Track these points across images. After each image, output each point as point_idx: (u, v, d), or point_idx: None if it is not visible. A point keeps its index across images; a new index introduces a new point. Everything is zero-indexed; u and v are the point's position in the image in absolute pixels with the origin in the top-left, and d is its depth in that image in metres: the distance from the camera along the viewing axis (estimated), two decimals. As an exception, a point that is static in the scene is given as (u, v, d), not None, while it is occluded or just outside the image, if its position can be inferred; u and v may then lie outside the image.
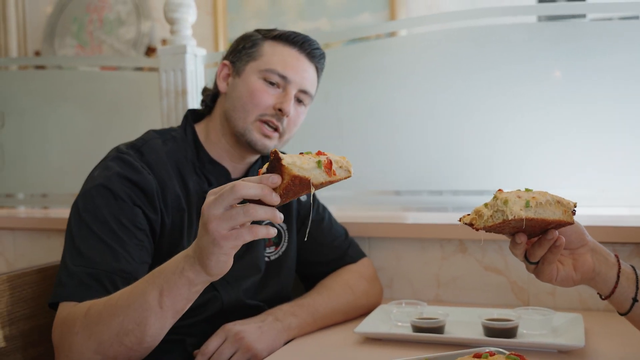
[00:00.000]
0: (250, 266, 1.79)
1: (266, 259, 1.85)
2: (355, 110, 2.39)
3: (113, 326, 1.28)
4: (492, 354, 1.15)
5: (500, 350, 1.25)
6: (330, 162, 1.07)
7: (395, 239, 2.19)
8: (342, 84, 2.39)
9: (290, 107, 1.70)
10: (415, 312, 1.76)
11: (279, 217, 1.09)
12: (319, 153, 1.09)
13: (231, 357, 1.51)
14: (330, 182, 1.09)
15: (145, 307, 1.25)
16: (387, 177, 2.36)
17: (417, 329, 1.68)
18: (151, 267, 1.36)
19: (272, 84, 1.70)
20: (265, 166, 1.08)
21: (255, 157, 1.84)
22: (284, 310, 1.67)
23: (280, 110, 1.69)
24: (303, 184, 1.04)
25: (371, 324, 1.74)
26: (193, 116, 1.85)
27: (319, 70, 1.81)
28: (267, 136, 1.71)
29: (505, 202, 1.11)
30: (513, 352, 1.15)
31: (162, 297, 1.23)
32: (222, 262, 1.14)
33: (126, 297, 1.29)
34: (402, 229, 2.20)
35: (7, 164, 2.94)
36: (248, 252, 1.78)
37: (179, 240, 1.63)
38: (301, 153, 1.08)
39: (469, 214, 1.20)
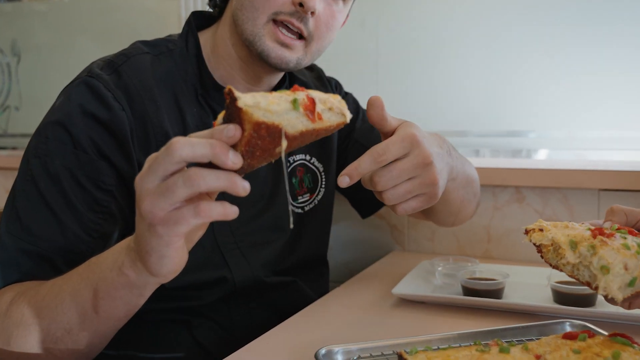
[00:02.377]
0: (269, 227, 1.39)
1: (298, 210, 1.47)
2: (396, 40, 2.05)
3: (37, 332, 0.95)
4: (591, 335, 0.79)
5: (581, 322, 0.95)
6: (312, 101, 0.74)
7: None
8: (381, 6, 2.04)
9: None
10: (465, 270, 1.43)
11: (241, 186, 0.72)
12: (295, 89, 0.76)
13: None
14: (316, 132, 0.76)
15: (77, 311, 0.92)
16: (430, 116, 2.03)
17: (469, 291, 1.35)
18: (126, 236, 0.93)
19: None
20: (221, 115, 0.74)
21: (278, 77, 1.38)
22: (450, 149, 1.18)
23: (301, 4, 1.18)
24: (273, 134, 0.71)
25: (412, 284, 1.42)
26: (198, 21, 1.37)
27: None
28: (284, 44, 1.22)
29: (606, 270, 0.76)
30: (616, 333, 0.79)
31: (96, 299, 0.90)
32: (168, 259, 0.78)
33: (55, 294, 0.95)
34: None
35: (24, 102, 2.70)
36: (267, 207, 1.38)
37: None
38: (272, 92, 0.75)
39: (539, 230, 0.89)
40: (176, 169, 0.71)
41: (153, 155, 0.74)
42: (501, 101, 1.94)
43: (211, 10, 1.39)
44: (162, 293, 1.07)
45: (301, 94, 0.74)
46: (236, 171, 0.73)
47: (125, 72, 1.20)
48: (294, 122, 0.72)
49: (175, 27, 2.34)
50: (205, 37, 1.34)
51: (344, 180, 0.93)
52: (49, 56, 2.67)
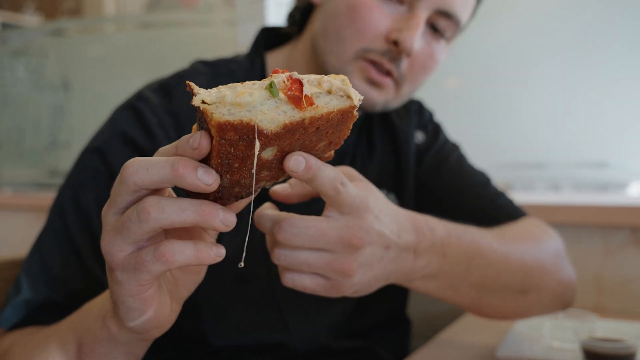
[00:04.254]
0: None
1: None
2: (472, 67, 1.93)
3: None
4: None
5: None
6: (296, 83, 0.55)
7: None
8: (459, 36, 1.88)
9: (416, 38, 1.01)
10: (582, 327, 1.12)
11: (220, 218, 0.57)
12: (275, 72, 0.56)
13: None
14: (313, 125, 0.56)
15: None
16: (503, 146, 1.89)
17: (592, 355, 1.05)
18: None
19: None
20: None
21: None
22: (434, 236, 0.86)
23: (395, 43, 1.01)
24: (247, 136, 0.53)
25: (517, 344, 1.17)
26: (270, 39, 1.20)
27: None
28: (374, 83, 1.05)
29: None
30: None
31: (81, 353, 0.75)
32: (137, 312, 0.63)
33: (42, 347, 0.81)
34: (547, 212, 1.63)
35: (75, 138, 2.63)
36: None
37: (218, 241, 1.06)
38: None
39: None
40: (134, 199, 0.58)
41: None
42: (583, 129, 1.80)
43: (286, 26, 1.22)
44: (209, 354, 0.99)
45: (280, 76, 0.55)
46: (219, 195, 0.58)
47: (177, 95, 1.07)
48: (272, 114, 0.53)
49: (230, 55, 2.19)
50: (276, 59, 1.18)
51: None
52: (99, 90, 2.61)
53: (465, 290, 0.94)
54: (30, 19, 4.36)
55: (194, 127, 0.57)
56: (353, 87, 0.97)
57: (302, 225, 0.70)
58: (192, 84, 0.53)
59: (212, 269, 1.01)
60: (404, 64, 1.05)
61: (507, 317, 1.09)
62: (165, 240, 0.58)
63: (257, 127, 0.52)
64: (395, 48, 1.01)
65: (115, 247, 0.58)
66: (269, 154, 0.57)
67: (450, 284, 0.91)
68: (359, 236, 0.73)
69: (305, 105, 0.54)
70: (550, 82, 1.81)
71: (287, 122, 0.54)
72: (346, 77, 0.58)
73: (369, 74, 1.04)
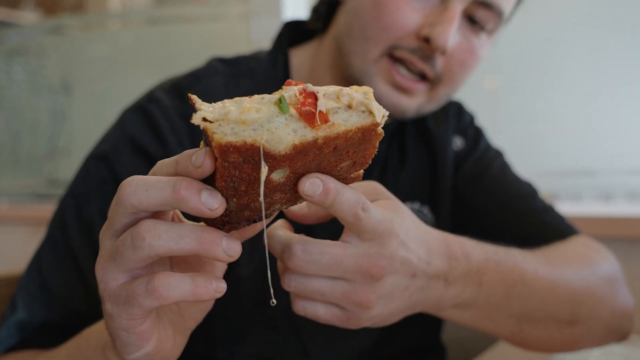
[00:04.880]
0: None
1: None
2: (516, 71, 1.88)
3: None
4: None
5: None
6: (311, 97, 0.50)
7: (597, 239, 1.46)
8: (503, 39, 1.85)
9: (450, 33, 0.93)
10: (634, 355, 1.12)
11: (223, 246, 0.54)
12: (288, 83, 0.52)
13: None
14: (330, 144, 0.51)
15: None
16: (549, 153, 1.83)
17: None
18: None
19: None
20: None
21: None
22: (469, 262, 0.79)
23: (427, 39, 0.94)
24: (253, 158, 0.49)
25: None
26: (294, 35, 1.14)
27: None
28: (401, 88, 0.97)
29: None
30: None
31: None
32: (133, 347, 0.59)
33: None
34: (599, 225, 1.54)
35: (76, 144, 2.59)
36: None
37: (230, 265, 0.99)
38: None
39: None
40: (132, 221, 0.55)
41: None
42: (636, 133, 1.73)
43: (310, 20, 1.15)
44: None
45: (292, 89, 0.51)
46: (227, 219, 0.55)
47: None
48: (281, 134, 0.49)
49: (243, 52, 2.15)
50: (301, 56, 1.12)
51: None
52: (103, 92, 2.58)
53: (504, 321, 0.86)
54: (29, 16, 4.30)
55: (202, 142, 0.53)
56: (377, 92, 0.92)
57: (316, 251, 0.65)
58: (194, 97, 0.50)
59: (227, 291, 0.95)
60: (439, 62, 0.97)
61: (552, 350, 1.00)
62: (160, 273, 0.54)
63: (263, 149, 0.48)
64: (428, 45, 0.94)
65: (109, 275, 0.55)
66: (280, 175, 0.53)
67: (486, 314, 0.84)
68: (380, 265, 0.67)
69: (319, 123, 0.50)
70: (600, 82, 1.77)
71: (297, 142, 0.49)
72: (370, 89, 0.53)
73: (394, 77, 0.97)
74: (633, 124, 1.75)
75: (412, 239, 0.71)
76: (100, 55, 2.56)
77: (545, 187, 1.92)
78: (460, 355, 1.62)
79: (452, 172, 1.18)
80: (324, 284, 0.67)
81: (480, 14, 0.98)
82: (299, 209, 0.71)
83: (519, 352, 1.26)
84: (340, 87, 0.53)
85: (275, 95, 0.51)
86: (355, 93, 0.52)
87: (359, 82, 0.99)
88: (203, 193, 0.52)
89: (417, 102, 1.01)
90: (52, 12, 4.57)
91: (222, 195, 0.52)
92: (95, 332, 0.74)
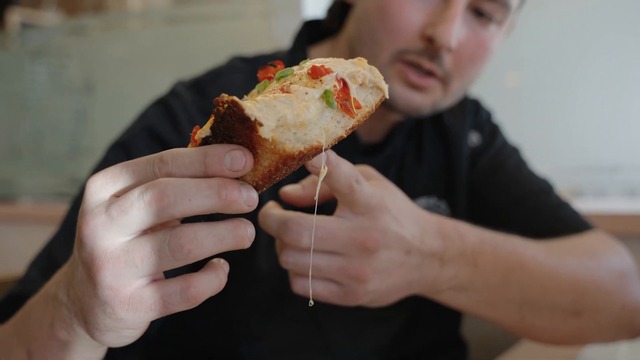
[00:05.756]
0: None
1: None
2: (539, 65, 1.86)
3: None
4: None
5: None
6: (344, 85, 0.52)
7: (623, 237, 1.39)
8: (526, 34, 1.82)
9: (453, 31, 0.94)
10: None
11: (248, 236, 0.53)
12: (315, 70, 0.53)
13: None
14: (351, 128, 0.54)
15: None
16: (573, 149, 1.83)
17: None
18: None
19: None
20: (209, 124, 0.51)
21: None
22: (463, 243, 0.81)
23: (431, 39, 0.95)
24: (305, 157, 0.51)
25: None
26: (312, 33, 1.16)
27: None
28: (415, 86, 0.98)
29: None
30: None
31: None
32: (130, 339, 0.59)
33: None
34: (616, 222, 1.53)
35: (98, 144, 2.51)
36: None
37: (250, 255, 1.02)
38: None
39: None
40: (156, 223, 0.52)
41: (134, 192, 0.52)
42: None
43: (326, 19, 1.18)
44: None
45: (328, 80, 0.52)
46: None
47: (212, 93, 1.06)
48: (331, 129, 0.52)
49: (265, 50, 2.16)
50: (319, 54, 1.13)
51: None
52: (124, 92, 2.61)
53: (504, 307, 0.87)
54: (51, 17, 4.37)
55: (203, 129, 0.52)
56: (393, 92, 0.96)
57: (310, 225, 0.68)
58: (237, 100, 0.47)
59: (247, 285, 1.01)
60: (447, 59, 0.98)
61: (559, 342, 1.00)
62: (194, 279, 0.53)
63: (324, 149, 0.51)
64: (432, 45, 0.95)
65: (123, 281, 0.52)
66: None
67: (484, 299, 0.85)
68: (373, 238, 0.70)
69: (354, 111, 0.53)
70: (624, 76, 1.75)
71: (344, 134, 0.52)
72: (366, 62, 0.57)
73: (407, 77, 0.98)
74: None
75: (404, 217, 0.73)
76: (122, 55, 2.59)
77: (568, 184, 1.92)
78: (483, 352, 1.62)
79: (468, 168, 1.19)
80: (320, 259, 0.70)
81: (487, 6, 0.98)
82: (293, 190, 0.74)
83: (544, 350, 1.27)
84: (349, 64, 0.55)
85: (318, 90, 0.52)
86: (364, 70, 0.55)
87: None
88: (243, 193, 0.51)
89: (432, 98, 1.01)
90: (73, 13, 4.63)
91: (255, 188, 0.52)
92: (35, 310, 0.71)
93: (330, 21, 1.16)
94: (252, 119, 0.47)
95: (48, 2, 4.63)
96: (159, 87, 2.40)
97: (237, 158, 0.50)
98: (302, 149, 0.49)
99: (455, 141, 1.18)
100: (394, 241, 0.72)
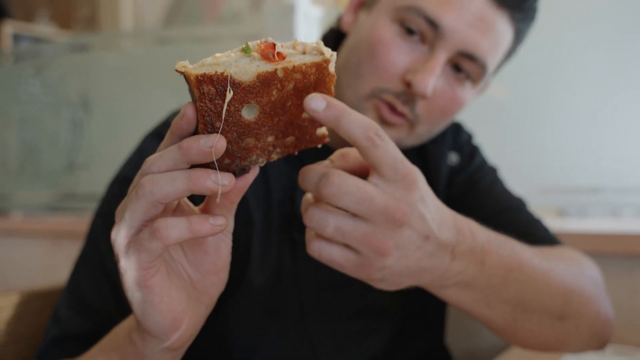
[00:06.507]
0: (375, 309, 1.16)
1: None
2: (521, 85, 1.90)
3: None
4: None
5: None
6: (271, 45, 0.61)
7: (592, 255, 1.47)
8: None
9: (430, 81, 1.00)
10: None
11: (214, 178, 0.61)
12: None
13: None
14: (286, 78, 0.60)
15: None
16: (557, 169, 1.86)
17: None
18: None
19: (411, 32, 1.03)
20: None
21: None
22: (474, 240, 0.82)
23: (409, 84, 1.01)
24: (222, 87, 0.59)
25: None
26: None
27: (517, 28, 1.07)
28: (385, 121, 1.06)
29: None
30: None
31: None
32: (148, 304, 0.66)
33: None
34: (599, 241, 1.58)
35: (94, 159, 2.66)
36: (358, 281, 0.96)
37: (243, 269, 1.07)
38: None
39: None
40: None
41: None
42: None
43: None
44: None
45: (255, 41, 0.61)
46: (228, 162, 0.64)
47: None
48: (246, 66, 0.59)
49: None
50: None
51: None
52: (120, 109, 2.63)
53: (500, 308, 0.90)
54: (43, 29, 4.43)
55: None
56: None
57: (353, 183, 0.67)
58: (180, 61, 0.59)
59: (241, 299, 1.05)
60: (420, 105, 1.05)
61: (543, 346, 1.02)
62: (160, 217, 0.62)
63: (231, 77, 0.58)
64: (409, 90, 1.02)
65: (120, 234, 0.63)
66: (250, 113, 0.61)
67: (484, 297, 0.87)
68: (403, 211, 0.69)
69: (277, 59, 0.59)
70: (608, 96, 1.78)
71: (259, 71, 0.58)
72: (320, 41, 0.62)
73: (381, 112, 1.05)
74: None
75: (430, 199, 0.73)
76: (117, 71, 2.62)
77: (554, 204, 1.97)
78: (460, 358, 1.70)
79: (446, 185, 1.25)
80: (347, 222, 0.68)
81: (466, 65, 1.04)
82: (322, 166, 0.72)
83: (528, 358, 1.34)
84: (295, 39, 0.62)
85: (242, 46, 0.61)
86: (309, 42, 0.62)
87: None
88: (202, 141, 0.59)
89: (397, 135, 1.07)
90: (65, 26, 4.71)
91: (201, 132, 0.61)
92: (122, 325, 0.80)
93: None
94: (182, 70, 0.58)
95: (40, 15, 4.70)
96: (154, 104, 2.45)
97: (181, 110, 0.61)
98: (206, 71, 0.57)
99: (434, 160, 1.24)
100: (418, 221, 0.71)
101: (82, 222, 2.43)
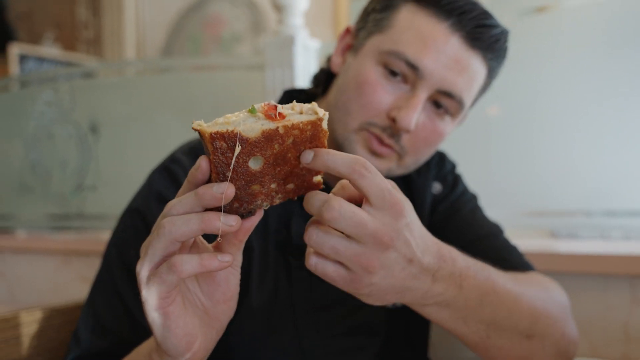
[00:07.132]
0: (362, 329, 1.22)
1: (390, 305, 1.26)
2: (509, 108, 1.95)
3: None
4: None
5: None
6: (273, 107, 0.71)
7: (565, 275, 1.63)
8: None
9: (413, 117, 1.11)
10: None
11: (223, 220, 0.72)
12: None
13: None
14: (286, 134, 0.70)
15: None
16: (547, 193, 1.89)
17: None
18: None
19: (394, 73, 1.14)
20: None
21: None
22: (454, 266, 0.90)
23: (394, 120, 1.13)
24: (232, 142, 0.68)
25: None
26: (291, 100, 1.34)
27: (490, 66, 1.17)
28: (376, 154, 1.16)
29: None
30: None
31: None
32: (166, 329, 0.76)
33: None
34: (573, 261, 1.69)
35: (102, 181, 2.71)
36: (360, 304, 0.97)
37: (244, 291, 1.12)
38: None
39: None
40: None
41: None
42: (634, 175, 1.77)
43: (310, 87, 1.33)
44: None
45: (260, 104, 0.71)
46: (237, 205, 0.74)
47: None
48: (252, 125, 0.68)
49: (259, 99, 2.26)
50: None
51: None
52: (127, 133, 2.70)
53: (476, 326, 0.98)
54: (49, 51, 4.55)
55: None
56: (356, 154, 1.13)
57: (349, 209, 0.74)
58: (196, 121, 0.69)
59: (242, 319, 1.11)
60: (405, 138, 1.15)
61: None
62: (176, 255, 0.72)
63: (240, 134, 0.67)
64: (394, 125, 1.12)
65: (143, 269, 0.73)
66: (256, 165, 0.70)
67: (462, 316, 0.95)
68: (390, 235, 0.76)
69: (279, 119, 0.69)
70: (597, 120, 1.80)
71: (264, 129, 0.68)
72: (314, 103, 0.72)
73: (370, 144, 1.15)
74: (632, 165, 1.78)
75: (415, 227, 0.81)
76: (124, 98, 2.70)
77: (546, 226, 1.98)
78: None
79: (429, 212, 1.34)
80: (340, 242, 0.76)
81: (444, 101, 1.15)
82: (335, 190, 0.82)
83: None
84: (294, 102, 0.72)
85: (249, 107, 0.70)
86: (305, 105, 0.71)
87: (340, 147, 1.18)
88: (214, 187, 0.69)
89: (387, 165, 1.17)
90: (70, 47, 4.82)
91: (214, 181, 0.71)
92: (143, 345, 0.91)
93: (315, 88, 1.31)
94: (198, 128, 0.68)
95: (47, 36, 4.81)
96: (160, 128, 2.51)
97: (197, 163, 0.71)
98: (218, 129, 0.67)
99: (420, 190, 1.33)
100: (403, 245, 0.78)
101: (90, 241, 2.54)
